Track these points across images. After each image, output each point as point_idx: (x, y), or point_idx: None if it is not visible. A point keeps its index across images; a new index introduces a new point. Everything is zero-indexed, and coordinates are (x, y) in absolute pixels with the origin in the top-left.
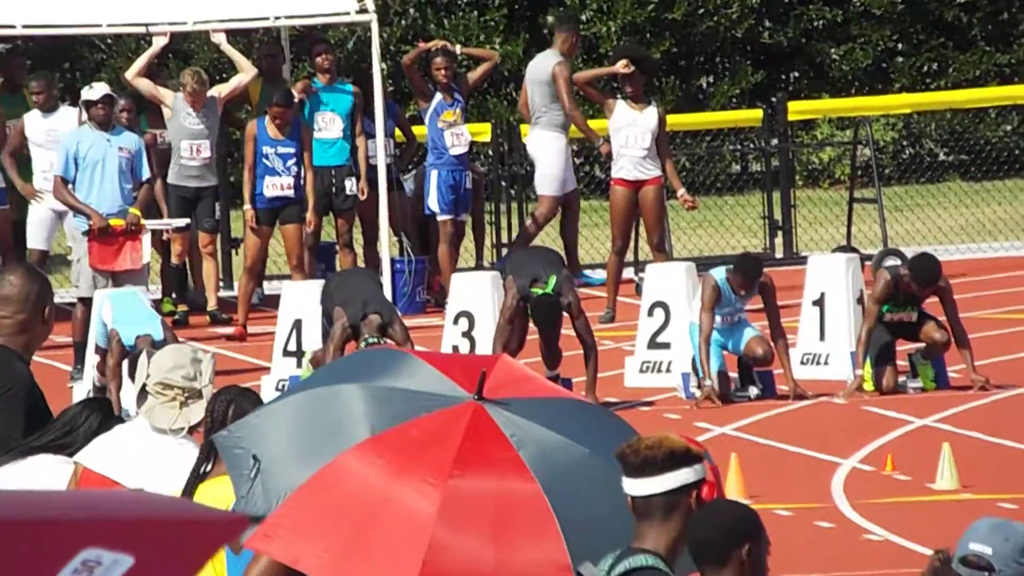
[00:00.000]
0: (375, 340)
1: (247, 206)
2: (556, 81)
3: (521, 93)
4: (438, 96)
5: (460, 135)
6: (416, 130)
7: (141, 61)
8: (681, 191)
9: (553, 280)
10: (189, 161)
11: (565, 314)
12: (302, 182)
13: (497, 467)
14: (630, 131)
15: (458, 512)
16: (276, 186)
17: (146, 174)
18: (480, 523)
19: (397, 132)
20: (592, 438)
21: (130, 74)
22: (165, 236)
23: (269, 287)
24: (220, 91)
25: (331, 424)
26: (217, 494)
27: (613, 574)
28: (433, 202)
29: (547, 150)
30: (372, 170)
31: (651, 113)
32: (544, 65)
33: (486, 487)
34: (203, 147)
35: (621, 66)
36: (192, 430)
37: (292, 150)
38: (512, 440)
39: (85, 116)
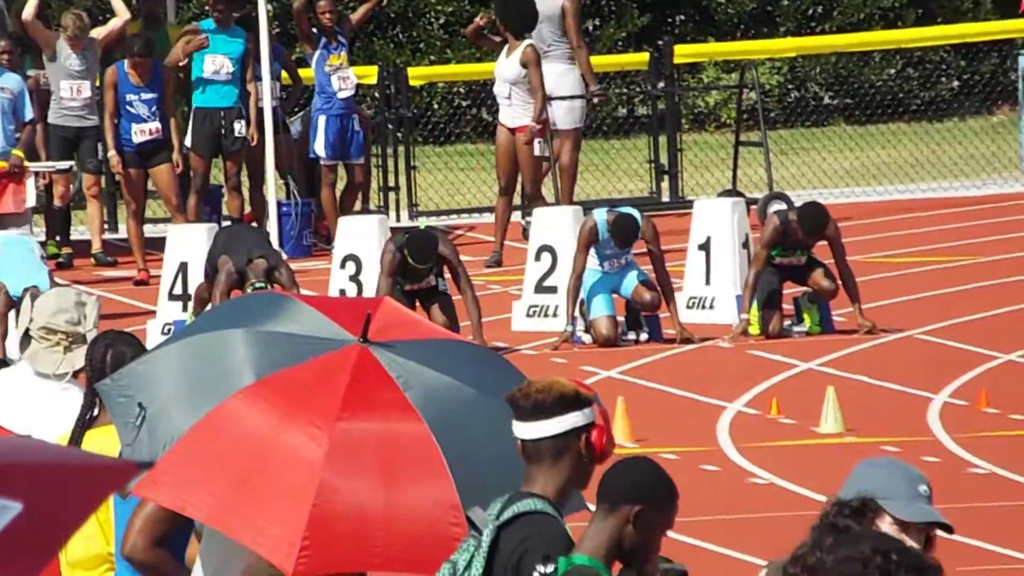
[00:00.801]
0: (262, 284)
1: (111, 152)
2: (565, 16)
3: None
4: (323, 40)
5: (347, 78)
6: (301, 73)
7: (35, 1)
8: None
9: (424, 226)
10: (70, 101)
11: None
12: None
13: (384, 409)
14: (497, 80)
15: (346, 454)
16: (143, 132)
17: (29, 115)
18: (369, 465)
19: (283, 75)
20: (479, 379)
21: (28, 15)
22: (45, 180)
23: (154, 230)
24: (99, 33)
25: (217, 369)
26: (104, 442)
27: (502, 518)
28: (319, 147)
29: (562, 83)
30: (259, 113)
31: (512, 61)
32: None
33: (374, 429)
34: (83, 87)
35: (478, 19)
36: (76, 375)
37: (155, 95)
38: (399, 382)
39: None
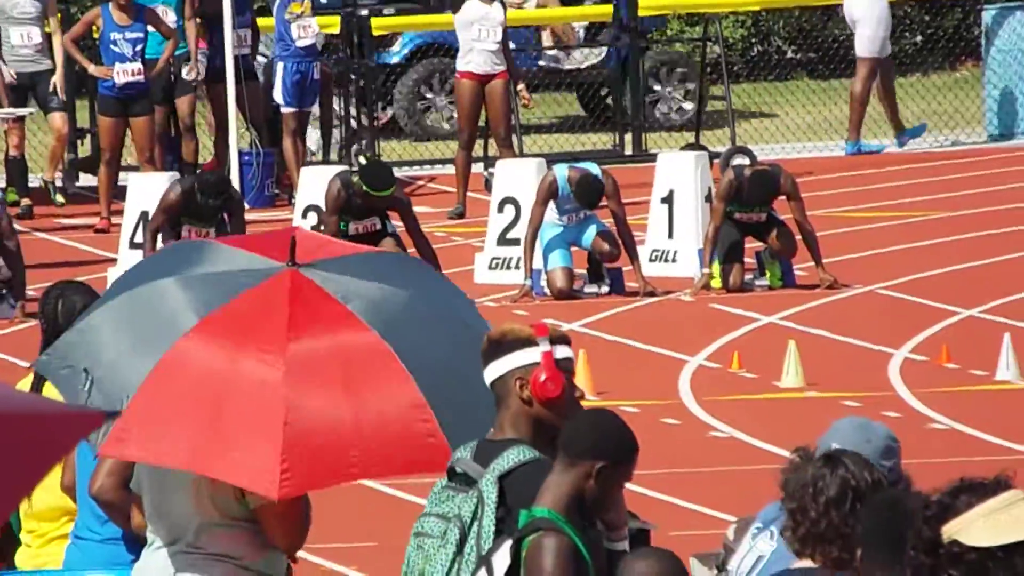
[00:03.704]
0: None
1: (91, 68)
2: None
3: None
4: None
5: (307, 27)
6: (263, 22)
7: None
8: (521, 86)
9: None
10: (21, 48)
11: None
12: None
13: (331, 324)
14: (482, 25)
15: (305, 373)
16: (126, 72)
17: None
18: (329, 379)
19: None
20: (410, 282)
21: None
22: (5, 127)
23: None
24: None
25: (157, 318)
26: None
27: (497, 470)
28: (278, 94)
29: (866, 10)
30: (218, 61)
31: (498, 7)
32: None
33: (326, 344)
34: (33, 33)
35: None
36: None
37: (140, 35)
38: (337, 296)
39: None
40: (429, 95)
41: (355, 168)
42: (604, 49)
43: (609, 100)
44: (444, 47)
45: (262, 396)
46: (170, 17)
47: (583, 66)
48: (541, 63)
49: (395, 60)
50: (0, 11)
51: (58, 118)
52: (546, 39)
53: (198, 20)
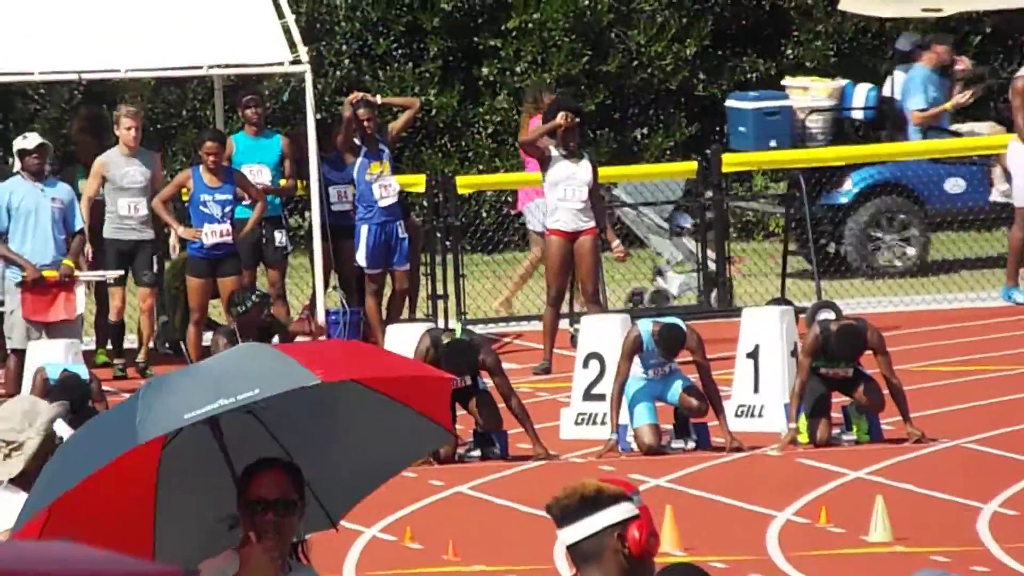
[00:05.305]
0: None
1: (180, 228)
2: (1014, 94)
3: None
4: (364, 149)
5: (388, 186)
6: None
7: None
8: (616, 243)
9: (460, 329)
10: (127, 219)
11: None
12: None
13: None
14: (568, 184)
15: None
16: (216, 233)
17: (79, 224)
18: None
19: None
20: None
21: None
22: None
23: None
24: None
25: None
26: None
27: None
28: (361, 256)
29: (1021, 162)
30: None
31: (585, 166)
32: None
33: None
34: (141, 205)
35: (562, 119)
36: (19, 481)
37: (229, 196)
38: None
39: (18, 166)
40: (878, 234)
41: (451, 336)
42: None
43: None
44: (896, 186)
45: None
46: (265, 175)
47: None
48: (994, 199)
49: (843, 200)
50: (110, 181)
51: (142, 292)
52: (996, 175)
53: (300, 182)
